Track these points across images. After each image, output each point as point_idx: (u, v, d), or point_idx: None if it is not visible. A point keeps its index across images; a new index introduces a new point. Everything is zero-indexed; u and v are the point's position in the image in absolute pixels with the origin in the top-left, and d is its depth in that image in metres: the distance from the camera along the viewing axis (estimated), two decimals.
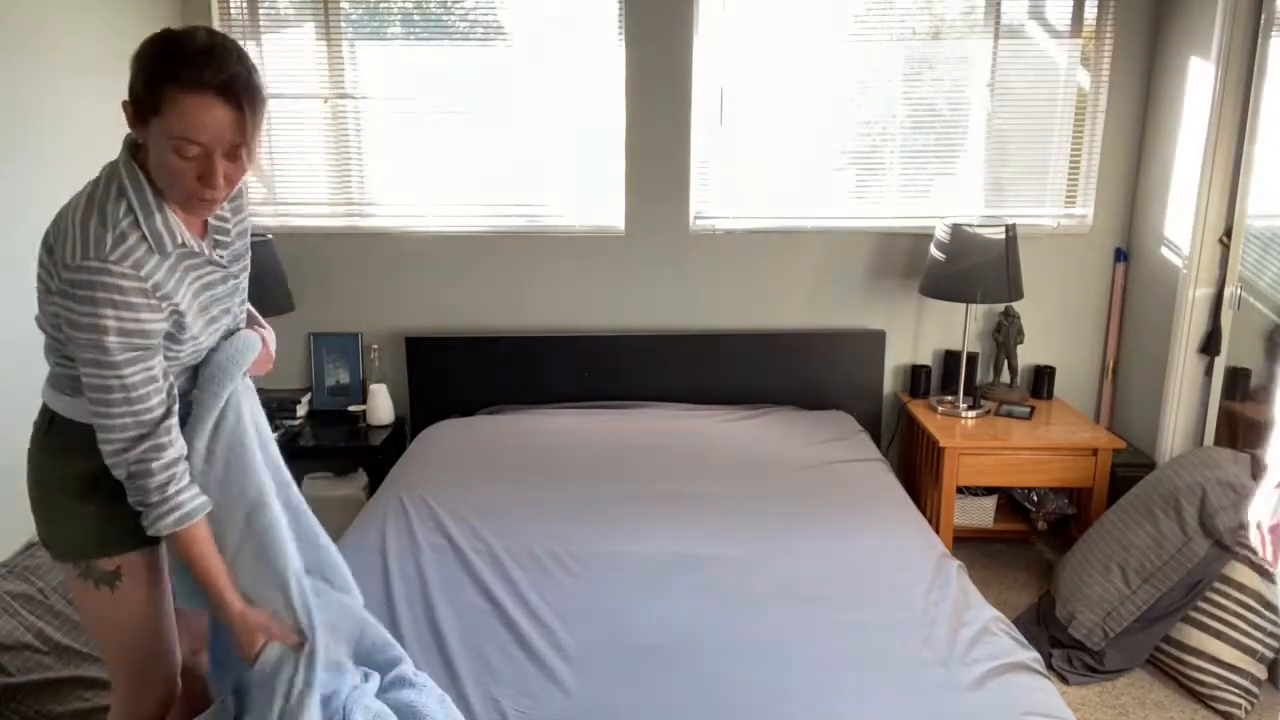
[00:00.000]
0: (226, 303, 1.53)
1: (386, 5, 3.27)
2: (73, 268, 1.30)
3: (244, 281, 1.60)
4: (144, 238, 1.34)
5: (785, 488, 2.69)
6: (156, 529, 1.41)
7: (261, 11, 3.25)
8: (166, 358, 1.43)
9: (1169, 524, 2.55)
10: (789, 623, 1.98)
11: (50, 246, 1.37)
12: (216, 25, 3.22)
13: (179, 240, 1.39)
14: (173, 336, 1.42)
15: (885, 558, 2.26)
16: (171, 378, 1.43)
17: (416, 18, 3.29)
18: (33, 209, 2.42)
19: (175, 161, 1.31)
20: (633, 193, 3.37)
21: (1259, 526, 1.50)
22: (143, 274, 1.33)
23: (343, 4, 3.25)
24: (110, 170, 1.37)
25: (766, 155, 3.38)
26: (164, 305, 1.37)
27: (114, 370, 1.34)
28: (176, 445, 1.42)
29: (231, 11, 3.24)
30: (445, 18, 3.29)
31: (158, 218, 1.36)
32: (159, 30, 1.32)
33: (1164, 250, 3.16)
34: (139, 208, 1.34)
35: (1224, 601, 2.47)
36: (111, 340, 1.32)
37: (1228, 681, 2.41)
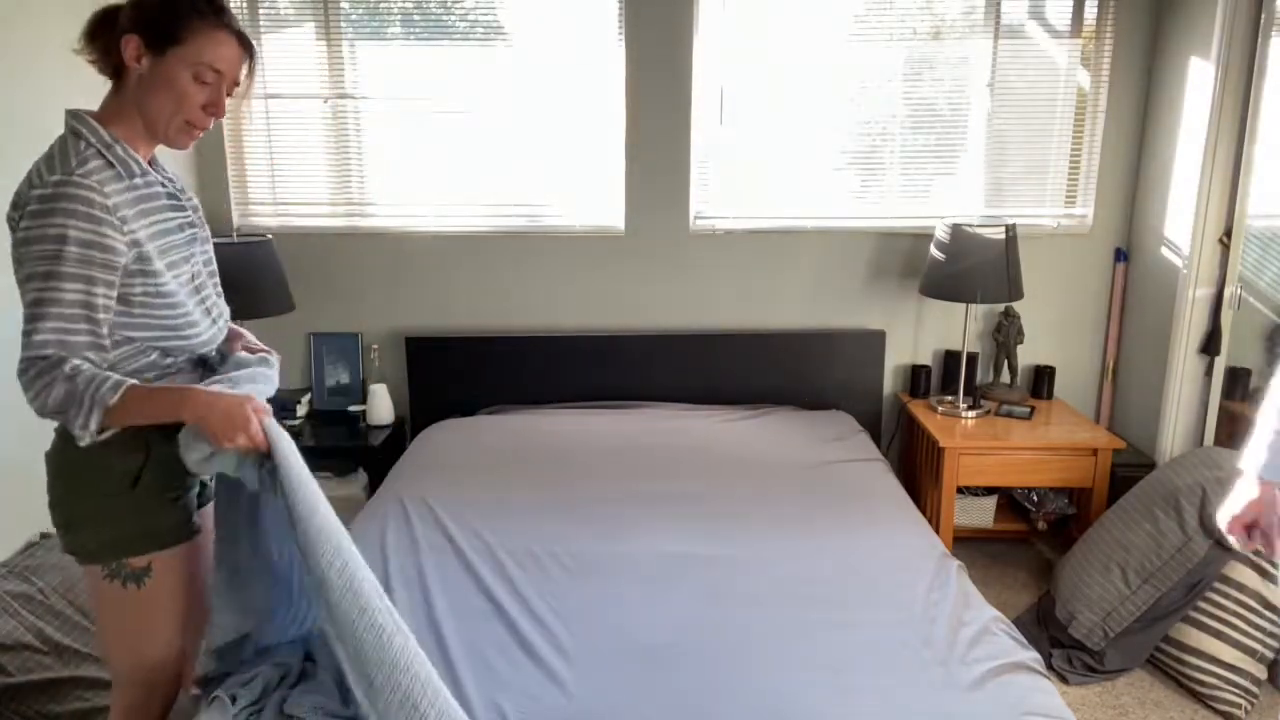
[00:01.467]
0: (185, 251, 1.54)
1: (386, 5, 3.27)
2: (39, 186, 1.33)
3: (209, 249, 1.63)
4: (109, 163, 1.41)
5: (785, 488, 2.69)
6: (94, 421, 1.34)
7: (261, 11, 3.25)
8: (148, 318, 1.44)
9: (1169, 524, 2.55)
10: (789, 623, 1.97)
11: (13, 207, 1.38)
12: None
13: (142, 168, 1.47)
14: (144, 274, 1.42)
15: (885, 558, 2.26)
16: (107, 339, 1.39)
17: (416, 18, 3.29)
18: None
19: (190, 87, 1.44)
20: (633, 193, 3.37)
21: (1232, 521, 1.59)
22: (106, 190, 1.37)
23: (343, 4, 3.25)
24: (62, 133, 1.43)
25: (766, 155, 3.39)
26: (124, 229, 1.39)
27: (58, 282, 1.32)
28: (85, 367, 1.36)
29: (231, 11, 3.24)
30: (445, 18, 3.29)
31: (117, 148, 1.43)
32: None
33: (1164, 250, 3.16)
34: (98, 142, 1.41)
35: (1224, 601, 2.47)
36: (70, 249, 1.32)
37: (1228, 681, 2.41)
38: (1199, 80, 2.95)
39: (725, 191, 3.42)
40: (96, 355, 1.38)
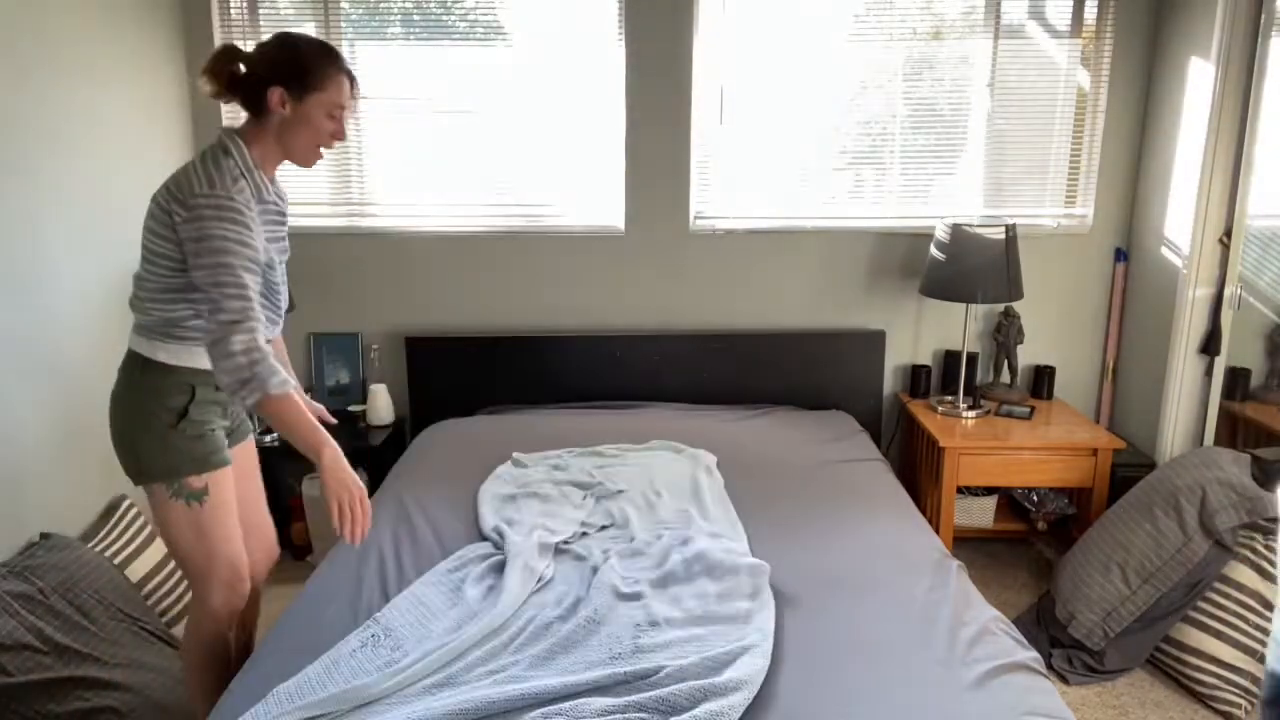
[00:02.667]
0: (281, 256, 1.96)
1: (386, 5, 3.27)
2: (202, 195, 1.70)
3: (285, 243, 2.02)
4: (247, 186, 1.79)
5: (785, 488, 2.69)
6: (255, 397, 1.68)
7: (261, 11, 3.25)
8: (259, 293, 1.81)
9: (1169, 524, 2.55)
10: (788, 623, 1.97)
11: (171, 197, 1.73)
12: (216, 25, 3.22)
13: (266, 191, 1.87)
14: (267, 266, 1.86)
15: (885, 558, 2.26)
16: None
17: (416, 18, 3.29)
18: (32, 214, 2.42)
19: (326, 122, 1.85)
20: (633, 193, 3.37)
21: None
22: (250, 208, 1.76)
23: (343, 4, 3.25)
24: (215, 143, 1.80)
25: (766, 155, 3.39)
26: (258, 234, 1.78)
27: (232, 270, 1.69)
28: (261, 337, 1.72)
29: (231, 12, 3.24)
30: (445, 18, 3.29)
31: (255, 174, 1.82)
32: (280, 34, 1.82)
33: (1164, 250, 3.16)
34: (241, 165, 1.79)
35: (1224, 601, 2.47)
36: (234, 246, 1.70)
37: (1228, 681, 2.41)
38: (1199, 80, 2.95)
39: (725, 191, 3.42)
40: (259, 323, 1.73)
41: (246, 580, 2.01)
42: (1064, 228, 3.42)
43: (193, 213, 1.69)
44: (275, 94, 1.79)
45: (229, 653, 2.04)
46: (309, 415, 1.74)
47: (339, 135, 1.89)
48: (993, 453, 3.02)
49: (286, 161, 1.92)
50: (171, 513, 1.88)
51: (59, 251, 2.52)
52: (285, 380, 1.71)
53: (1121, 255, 3.40)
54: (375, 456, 3.21)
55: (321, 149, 1.90)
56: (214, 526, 1.91)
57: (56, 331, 2.50)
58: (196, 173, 1.73)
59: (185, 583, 2.68)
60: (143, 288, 1.83)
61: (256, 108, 1.82)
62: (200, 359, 1.86)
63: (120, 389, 1.86)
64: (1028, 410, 3.25)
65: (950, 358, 3.49)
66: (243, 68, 1.82)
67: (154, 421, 1.83)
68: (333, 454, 1.75)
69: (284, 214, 1.99)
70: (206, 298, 1.69)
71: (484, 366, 3.43)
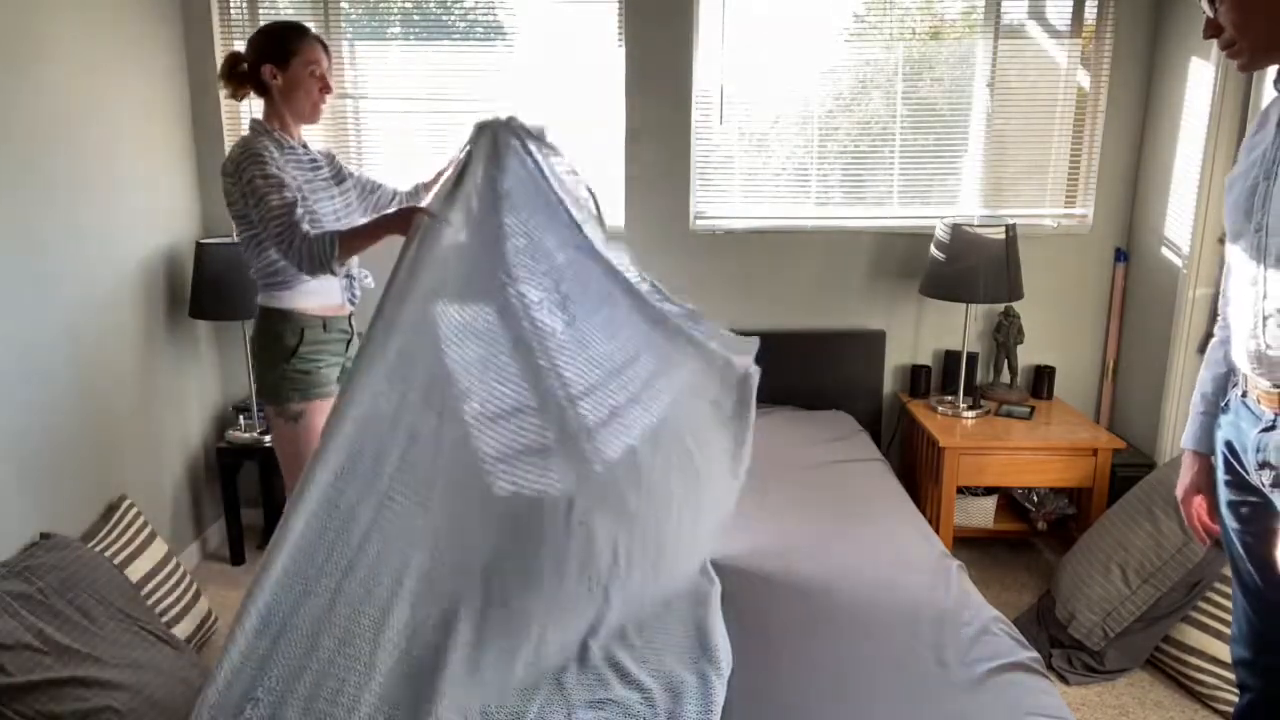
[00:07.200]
0: (326, 192, 2.29)
1: (386, 5, 3.27)
2: (232, 156, 2.15)
3: (347, 186, 2.38)
4: (272, 140, 2.19)
5: (785, 488, 2.69)
6: (335, 256, 2.04)
7: (261, 11, 3.25)
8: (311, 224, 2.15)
9: (1169, 524, 2.55)
10: (788, 623, 1.98)
11: (224, 174, 2.18)
12: (216, 25, 3.21)
13: (290, 145, 2.25)
14: (302, 200, 2.16)
15: (885, 558, 2.26)
16: (303, 210, 2.12)
17: (416, 18, 3.29)
18: (32, 215, 2.42)
19: (309, 80, 2.20)
20: (633, 193, 3.37)
21: (1183, 494, 1.81)
22: (271, 151, 2.15)
23: (343, 4, 3.25)
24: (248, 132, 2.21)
25: (766, 155, 3.39)
26: (285, 171, 2.15)
27: (266, 197, 2.08)
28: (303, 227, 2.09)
29: (231, 11, 3.24)
30: (445, 18, 3.29)
31: (275, 134, 2.22)
32: (260, 27, 2.23)
33: (1164, 250, 3.16)
34: (265, 132, 2.20)
35: (1224, 601, 2.47)
36: (261, 181, 2.09)
37: (1228, 681, 2.41)
38: (1199, 80, 2.95)
39: (725, 191, 3.42)
40: (308, 226, 2.10)
41: None
42: (1064, 228, 3.42)
43: (230, 170, 2.14)
44: (266, 69, 2.18)
45: None
46: (367, 240, 2.07)
47: (326, 89, 2.24)
48: (993, 453, 3.02)
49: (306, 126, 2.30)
50: (277, 429, 2.29)
51: (60, 252, 2.52)
52: (333, 234, 2.06)
53: (1121, 255, 3.40)
54: None
55: (319, 104, 2.25)
56: (306, 445, 2.24)
57: (57, 331, 2.50)
58: (233, 148, 2.17)
59: (185, 583, 2.69)
60: (242, 249, 2.24)
61: (261, 90, 2.21)
62: (301, 300, 2.23)
63: (253, 330, 2.31)
64: (1028, 410, 3.25)
65: (950, 358, 3.49)
66: (245, 66, 2.20)
67: (272, 356, 2.24)
68: (398, 220, 2.04)
69: (317, 163, 2.32)
70: (267, 228, 2.09)
71: None
